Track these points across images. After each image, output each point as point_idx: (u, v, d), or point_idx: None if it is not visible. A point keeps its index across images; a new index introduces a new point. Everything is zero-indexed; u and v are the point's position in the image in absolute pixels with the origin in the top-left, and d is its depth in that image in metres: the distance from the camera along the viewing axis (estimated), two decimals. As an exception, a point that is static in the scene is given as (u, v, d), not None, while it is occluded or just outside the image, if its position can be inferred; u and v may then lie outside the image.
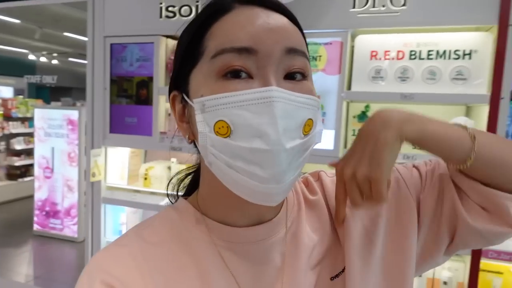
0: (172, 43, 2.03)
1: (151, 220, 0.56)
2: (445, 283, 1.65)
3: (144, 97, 2.00)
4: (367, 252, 0.56)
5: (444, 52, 1.58)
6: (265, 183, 0.45)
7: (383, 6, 1.59)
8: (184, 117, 0.52)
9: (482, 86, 1.54)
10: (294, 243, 0.55)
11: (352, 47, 1.70)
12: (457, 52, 1.57)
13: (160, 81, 1.97)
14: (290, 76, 0.47)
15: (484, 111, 1.55)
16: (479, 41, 1.55)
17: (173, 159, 2.12)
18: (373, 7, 1.61)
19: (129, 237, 0.53)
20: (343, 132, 1.77)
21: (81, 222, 4.52)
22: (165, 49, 1.99)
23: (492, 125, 1.49)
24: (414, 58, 1.62)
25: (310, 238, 0.57)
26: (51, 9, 5.43)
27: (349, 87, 1.71)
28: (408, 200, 0.59)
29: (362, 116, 1.88)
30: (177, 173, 0.65)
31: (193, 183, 0.63)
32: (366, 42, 1.68)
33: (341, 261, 0.56)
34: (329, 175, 0.64)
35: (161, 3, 1.91)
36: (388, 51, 1.65)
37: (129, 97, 2.04)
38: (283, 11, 0.50)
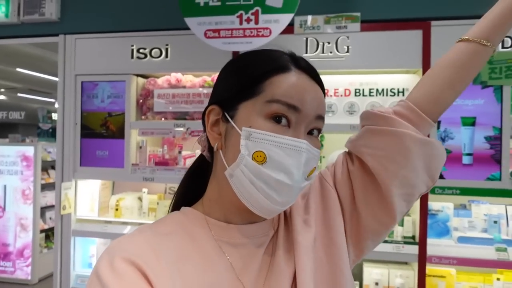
0: (142, 81, 2.18)
1: (161, 219, 0.66)
2: (396, 289, 1.86)
3: (116, 131, 2.11)
4: (308, 236, 0.66)
5: (383, 90, 1.88)
6: (276, 205, 0.59)
7: (331, 52, 1.88)
8: (215, 127, 0.64)
9: (414, 117, 1.84)
10: (278, 243, 0.66)
11: (307, 85, 1.96)
12: (392, 90, 1.88)
13: (132, 116, 2.10)
14: (310, 131, 0.62)
15: (417, 139, 1.84)
16: (409, 81, 1.87)
17: (144, 189, 2.22)
18: (323, 52, 1.89)
19: (142, 229, 0.62)
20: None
21: (35, 263, 4.30)
22: (135, 86, 2.14)
23: (424, 150, 1.78)
24: (359, 95, 1.91)
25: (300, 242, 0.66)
26: (3, 45, 5.34)
27: (305, 120, 1.95)
28: (330, 191, 0.70)
29: (317, 145, 2.12)
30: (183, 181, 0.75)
31: (191, 193, 0.72)
32: (318, 81, 1.94)
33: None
34: None
35: (132, 45, 2.08)
36: (337, 89, 1.93)
37: (100, 131, 2.13)
38: (319, 81, 0.64)
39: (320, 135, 0.65)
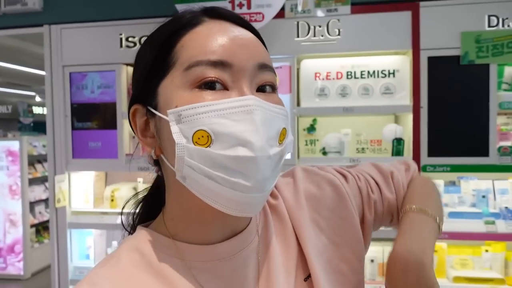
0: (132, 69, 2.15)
1: (115, 259, 0.50)
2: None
3: (108, 121, 2.09)
4: (319, 242, 0.58)
5: (374, 72, 1.91)
6: (249, 192, 0.45)
7: (322, 35, 1.89)
8: (147, 131, 0.51)
9: (405, 98, 1.88)
10: (266, 250, 0.55)
11: (299, 69, 1.97)
12: (383, 72, 1.90)
13: (123, 106, 2.08)
14: (261, 89, 0.48)
15: (409, 118, 1.89)
16: (400, 62, 1.90)
17: (140, 179, 2.21)
18: (314, 36, 1.89)
19: (93, 282, 0.47)
20: (296, 143, 2.01)
21: (27, 257, 4.27)
22: (125, 76, 2.11)
23: (416, 129, 1.83)
24: (351, 78, 1.93)
25: (280, 242, 0.57)
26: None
27: (298, 104, 1.96)
28: (352, 215, 0.61)
29: (311, 128, 2.15)
30: (133, 197, 0.63)
31: (148, 209, 0.61)
32: (310, 65, 1.96)
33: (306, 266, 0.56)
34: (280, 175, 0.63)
35: (121, 34, 2.04)
36: (329, 72, 1.94)
37: (92, 122, 2.11)
38: (248, 27, 0.51)
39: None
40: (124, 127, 2.08)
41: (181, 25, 0.48)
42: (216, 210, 0.46)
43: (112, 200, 2.20)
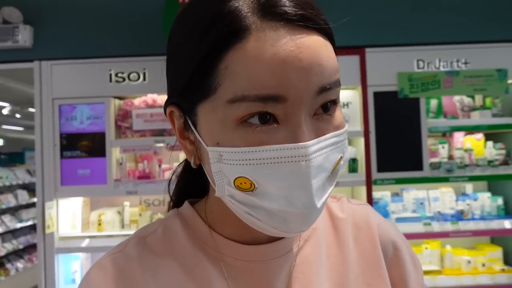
0: (119, 102, 2.36)
1: (154, 227, 0.51)
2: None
3: (96, 149, 2.26)
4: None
5: (332, 103, 2.32)
6: (290, 232, 0.42)
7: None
8: (186, 132, 0.45)
9: (357, 125, 2.30)
10: (305, 263, 0.50)
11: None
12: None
13: (112, 135, 2.27)
14: (321, 109, 0.40)
15: (361, 141, 2.30)
16: (352, 96, 2.33)
17: (126, 203, 2.38)
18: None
19: (127, 248, 0.49)
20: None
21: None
22: (113, 108, 2.31)
23: (367, 150, 2.25)
24: (313, 108, 2.32)
25: (329, 265, 0.51)
26: None
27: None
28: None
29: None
30: (177, 167, 0.58)
31: (191, 183, 0.56)
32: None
33: None
34: (352, 202, 0.59)
35: (110, 70, 2.26)
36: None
37: (81, 151, 2.27)
38: (315, 26, 0.39)
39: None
40: (112, 154, 2.27)
41: (225, 34, 0.37)
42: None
43: (99, 224, 2.34)
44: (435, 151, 2.41)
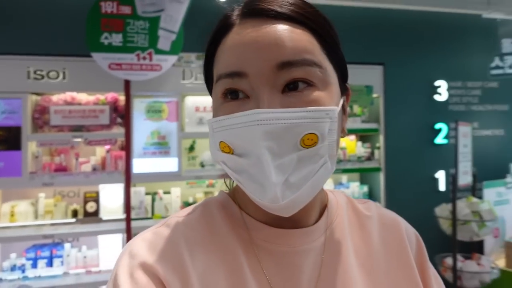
0: (36, 98, 2.45)
1: (191, 209, 0.56)
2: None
3: (11, 143, 2.34)
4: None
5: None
6: (265, 200, 0.44)
7: (202, 80, 2.60)
8: None
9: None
10: (333, 252, 0.53)
11: (183, 103, 2.63)
12: (243, 107, 2.73)
13: (28, 130, 2.36)
14: (293, 87, 0.45)
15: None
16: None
17: (42, 194, 2.48)
18: (196, 80, 2.59)
19: (171, 226, 0.52)
20: (181, 159, 2.65)
21: None
22: (30, 103, 2.40)
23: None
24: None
25: (357, 256, 0.55)
26: None
27: (183, 130, 2.61)
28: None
29: (191, 148, 2.81)
30: None
31: None
32: (192, 101, 2.64)
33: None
34: (380, 207, 0.64)
35: (28, 67, 2.35)
36: (206, 106, 2.66)
37: (-5, 144, 2.32)
38: (283, 17, 0.46)
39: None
40: (28, 148, 2.36)
41: (218, 31, 0.49)
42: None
43: (12, 215, 2.41)
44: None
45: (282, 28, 0.46)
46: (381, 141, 2.97)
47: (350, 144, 3.01)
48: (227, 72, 0.46)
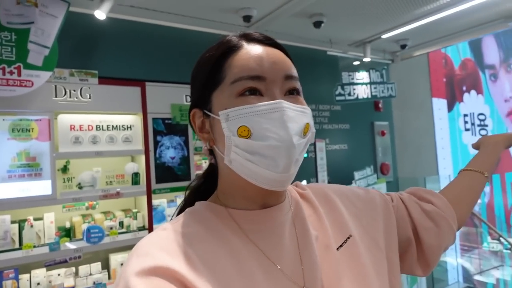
0: None
1: (180, 219, 0.63)
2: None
3: None
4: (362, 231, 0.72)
5: (117, 126, 2.68)
6: (279, 172, 0.58)
7: (76, 97, 2.49)
8: (204, 129, 0.66)
9: (139, 144, 2.75)
10: (300, 221, 0.68)
11: (56, 122, 2.46)
12: (123, 126, 2.70)
13: None
14: (289, 93, 0.63)
15: (142, 158, 2.75)
16: (134, 120, 2.76)
17: None
18: (70, 97, 2.47)
19: (166, 229, 0.60)
20: (55, 181, 2.45)
21: None
22: None
23: (147, 165, 2.71)
24: (100, 130, 2.61)
25: (313, 221, 0.70)
26: None
27: (57, 150, 2.44)
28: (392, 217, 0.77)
29: (64, 169, 2.62)
30: (192, 182, 0.76)
31: (201, 192, 0.73)
32: (66, 119, 2.50)
33: (342, 235, 0.69)
34: (303, 184, 0.80)
35: None
36: (82, 125, 2.55)
37: None
38: (277, 46, 0.66)
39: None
40: None
41: (227, 49, 0.64)
42: (255, 188, 0.61)
43: None
44: (200, 165, 3.12)
45: (280, 52, 0.65)
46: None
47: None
48: (250, 75, 0.60)
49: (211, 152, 0.69)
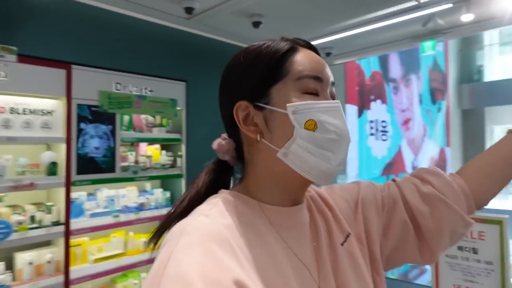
0: None
1: (215, 208, 0.63)
2: (48, 262, 2.45)
3: None
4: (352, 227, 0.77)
5: (35, 110, 2.41)
6: (334, 165, 0.63)
7: (-12, 74, 2.17)
8: (248, 121, 0.67)
9: (59, 132, 2.51)
10: (313, 221, 0.72)
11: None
12: (43, 111, 2.44)
13: None
14: (331, 97, 0.69)
15: (62, 147, 2.52)
16: (56, 105, 2.52)
17: None
18: (-21, 73, 2.15)
19: (210, 216, 0.61)
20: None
21: None
22: None
23: (68, 155, 2.50)
24: (14, 113, 2.32)
25: (321, 219, 0.75)
26: None
27: (-42, 132, 2.11)
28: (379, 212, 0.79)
29: (-36, 154, 2.28)
30: (197, 180, 0.73)
31: (219, 181, 0.72)
32: (-27, 98, 2.16)
33: (342, 234, 0.74)
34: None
35: None
36: (6, 106, 2.24)
37: None
38: (319, 54, 0.72)
39: None
40: None
41: (289, 48, 0.68)
42: (300, 182, 0.67)
43: None
44: (125, 156, 2.97)
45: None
46: (183, 150, 3.26)
47: (156, 152, 3.17)
48: (313, 74, 0.66)
49: (238, 147, 0.71)
